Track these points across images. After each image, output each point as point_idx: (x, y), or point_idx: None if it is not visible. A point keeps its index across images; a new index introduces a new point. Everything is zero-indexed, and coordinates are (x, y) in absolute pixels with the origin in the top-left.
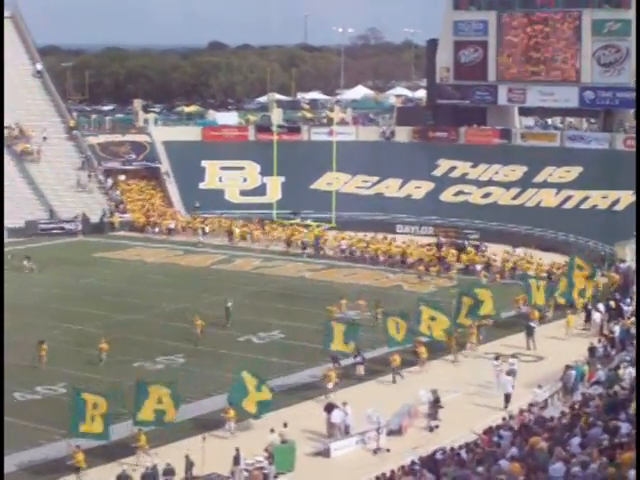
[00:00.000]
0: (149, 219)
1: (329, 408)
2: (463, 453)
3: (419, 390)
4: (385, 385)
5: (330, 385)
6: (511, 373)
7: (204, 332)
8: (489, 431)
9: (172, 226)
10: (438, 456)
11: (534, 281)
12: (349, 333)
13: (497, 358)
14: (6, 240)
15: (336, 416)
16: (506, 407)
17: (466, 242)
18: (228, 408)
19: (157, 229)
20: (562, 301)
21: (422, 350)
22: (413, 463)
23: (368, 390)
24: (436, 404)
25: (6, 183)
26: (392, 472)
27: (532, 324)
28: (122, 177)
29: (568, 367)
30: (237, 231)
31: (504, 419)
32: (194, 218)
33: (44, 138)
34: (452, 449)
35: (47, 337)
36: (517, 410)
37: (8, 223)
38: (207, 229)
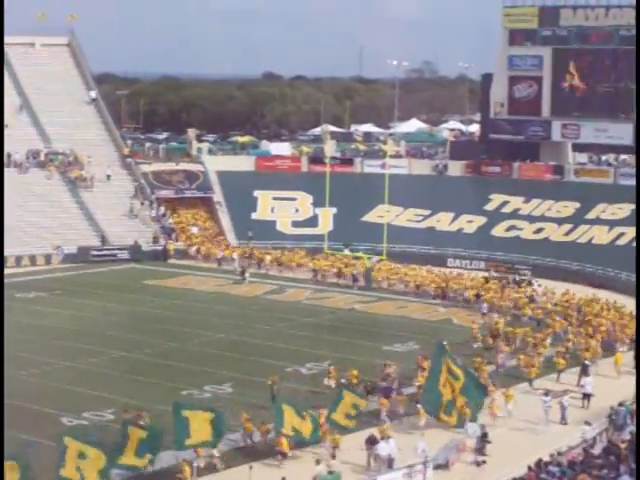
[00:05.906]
0: (200, 248)
1: (371, 441)
2: None
3: (466, 424)
4: None
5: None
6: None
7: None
8: (537, 467)
9: (222, 255)
10: None
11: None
12: (149, 442)
13: (547, 394)
14: (59, 265)
15: (382, 448)
16: (587, 407)
17: (516, 277)
18: None
19: (208, 258)
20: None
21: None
22: None
23: None
24: (484, 439)
25: (60, 209)
26: None
27: (587, 362)
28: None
29: (618, 404)
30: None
31: (552, 455)
32: (248, 249)
33: (108, 176)
34: None
35: (93, 362)
36: (566, 447)
37: (65, 248)
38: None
